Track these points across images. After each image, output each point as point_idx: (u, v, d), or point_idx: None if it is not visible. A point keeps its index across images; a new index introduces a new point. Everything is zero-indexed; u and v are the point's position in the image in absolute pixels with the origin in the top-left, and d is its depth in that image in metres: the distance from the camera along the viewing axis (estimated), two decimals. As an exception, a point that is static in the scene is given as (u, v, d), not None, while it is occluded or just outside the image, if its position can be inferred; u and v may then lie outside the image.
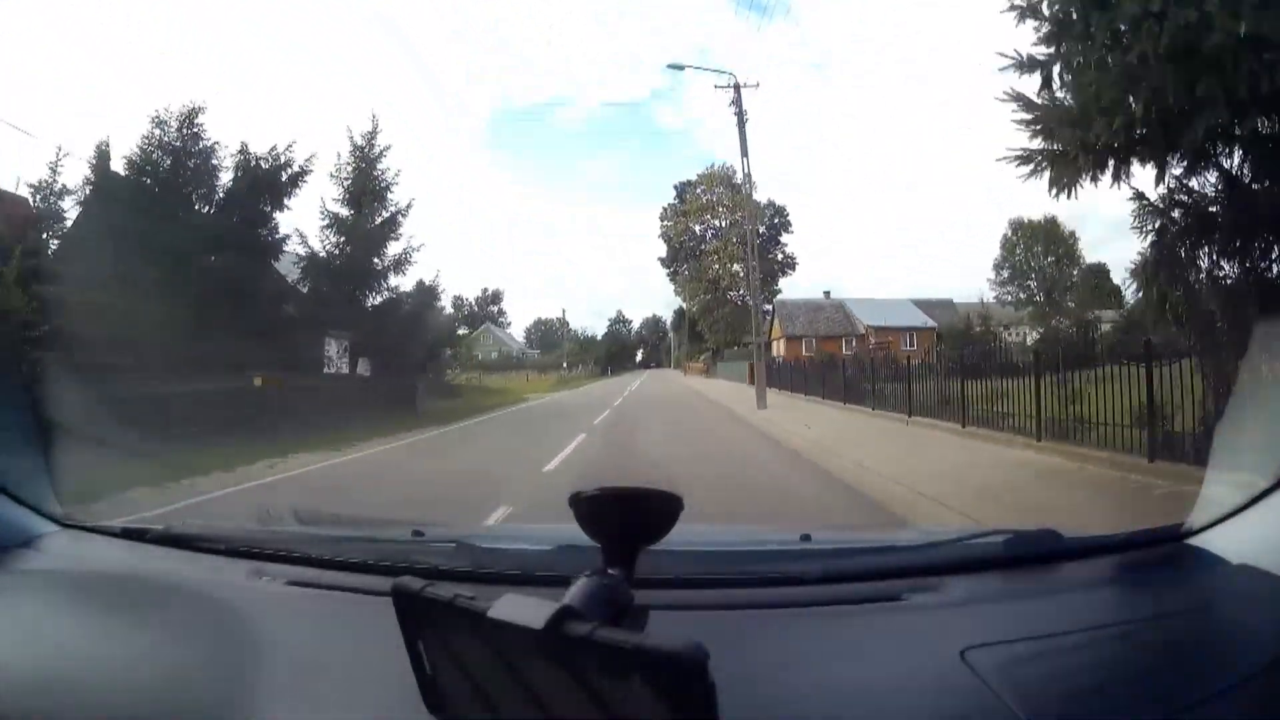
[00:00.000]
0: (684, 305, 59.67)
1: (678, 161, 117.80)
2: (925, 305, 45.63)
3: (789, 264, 56.41)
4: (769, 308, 51.96)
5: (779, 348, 44.54)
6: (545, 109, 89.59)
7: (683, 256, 55.35)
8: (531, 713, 0.56)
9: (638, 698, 0.50)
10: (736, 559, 1.36)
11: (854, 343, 40.61)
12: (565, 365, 47.51)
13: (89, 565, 1.32)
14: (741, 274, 48.69)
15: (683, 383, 39.89)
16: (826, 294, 51.14)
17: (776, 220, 55.62)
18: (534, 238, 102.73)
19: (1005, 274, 40.94)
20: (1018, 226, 40.91)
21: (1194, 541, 1.16)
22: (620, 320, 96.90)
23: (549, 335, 74.56)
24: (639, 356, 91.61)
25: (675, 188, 57.35)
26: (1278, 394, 2.79)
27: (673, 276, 57.48)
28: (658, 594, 0.94)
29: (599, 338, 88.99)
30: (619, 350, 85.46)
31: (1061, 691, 0.84)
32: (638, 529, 0.72)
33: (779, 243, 56.09)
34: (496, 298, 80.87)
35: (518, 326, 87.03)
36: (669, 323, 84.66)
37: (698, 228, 55.23)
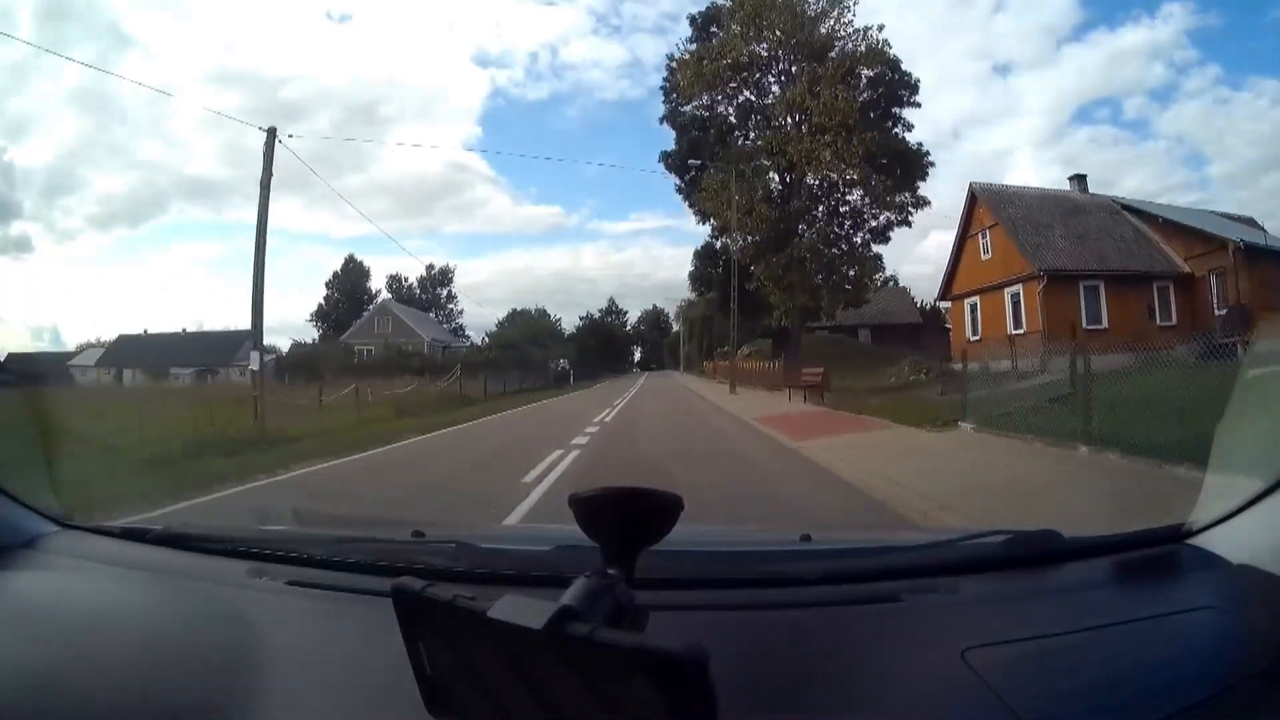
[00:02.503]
0: (713, 240, 31.35)
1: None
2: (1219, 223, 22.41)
3: (919, 162, 25.31)
4: (905, 208, 23.87)
5: (1009, 302, 20.36)
6: (541, 106, 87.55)
7: (707, 151, 26.83)
8: (532, 713, 0.56)
9: (638, 698, 0.50)
10: (737, 559, 1.36)
11: (1172, 289, 19.27)
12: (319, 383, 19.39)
13: (89, 565, 1.32)
14: (828, 180, 24.25)
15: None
16: (1077, 181, 24.03)
17: (893, 77, 25.14)
18: (530, 237, 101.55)
19: None
20: None
21: (1194, 541, 1.16)
22: (612, 311, 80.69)
23: (529, 327, 56.65)
24: (636, 355, 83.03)
25: (691, 20, 27.74)
26: (1277, 393, 2.79)
27: (690, 189, 27.73)
28: (658, 594, 0.94)
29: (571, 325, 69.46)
30: (597, 344, 67.99)
31: (1061, 691, 0.84)
32: (638, 529, 0.72)
33: (895, 120, 25.50)
34: (445, 277, 65.42)
35: (494, 314, 71.85)
36: (673, 313, 66.93)
37: (733, 114, 27.07)
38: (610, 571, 0.68)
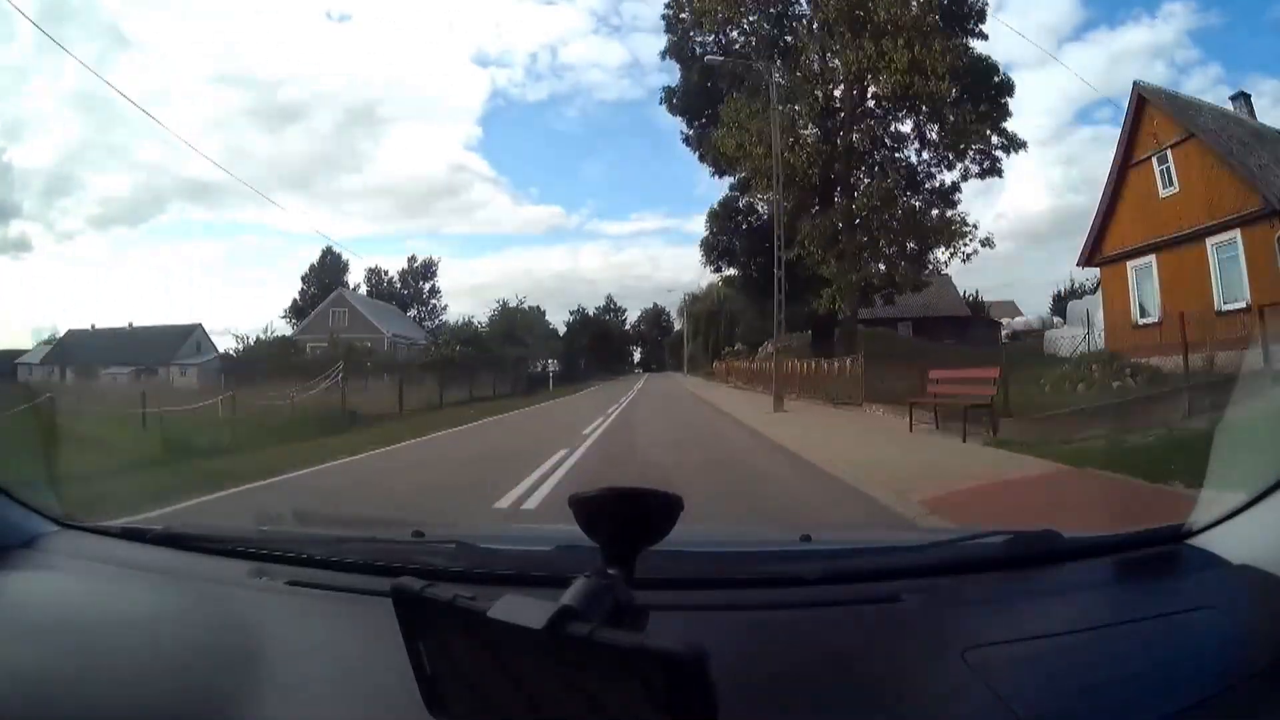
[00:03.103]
0: (733, 196, 25.36)
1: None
2: None
3: (1005, 93, 19.97)
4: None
5: (1214, 259, 12.58)
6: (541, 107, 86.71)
7: (726, 80, 20.73)
8: (531, 713, 0.56)
9: (637, 698, 0.50)
10: (736, 559, 1.36)
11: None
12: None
13: (89, 565, 1.32)
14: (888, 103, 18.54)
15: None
16: (1244, 101, 16.57)
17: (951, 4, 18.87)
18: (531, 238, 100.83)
19: None
20: None
21: (1194, 541, 1.15)
22: (611, 309, 77.07)
23: (518, 322, 47.33)
24: (636, 356, 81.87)
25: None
26: (1277, 393, 2.79)
27: (700, 134, 22.56)
28: (657, 594, 0.94)
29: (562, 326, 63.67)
30: (591, 343, 64.78)
31: (1061, 691, 0.84)
32: (637, 529, 0.72)
33: (965, 32, 19.31)
34: (428, 270, 61.43)
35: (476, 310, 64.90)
36: (675, 310, 64.92)
37: (755, 43, 20.74)
38: (610, 571, 0.68)
